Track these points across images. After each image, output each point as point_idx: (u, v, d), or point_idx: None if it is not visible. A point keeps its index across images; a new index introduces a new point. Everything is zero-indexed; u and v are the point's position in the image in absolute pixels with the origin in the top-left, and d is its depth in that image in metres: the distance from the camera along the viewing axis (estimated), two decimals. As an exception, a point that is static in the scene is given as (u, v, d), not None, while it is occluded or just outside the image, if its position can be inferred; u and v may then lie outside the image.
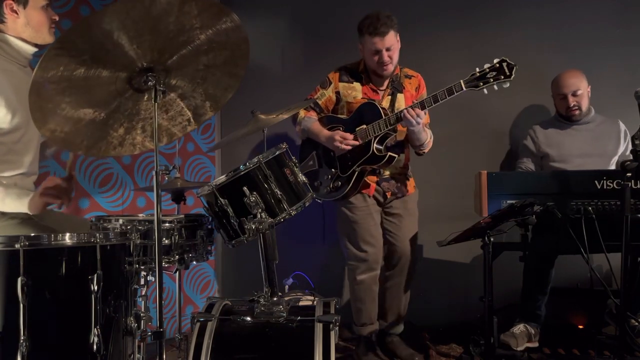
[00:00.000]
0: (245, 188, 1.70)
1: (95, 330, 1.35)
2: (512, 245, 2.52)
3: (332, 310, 1.73)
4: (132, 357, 1.59)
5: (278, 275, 1.80)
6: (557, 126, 2.84)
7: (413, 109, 2.35)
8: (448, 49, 3.14)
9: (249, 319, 1.71)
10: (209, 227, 2.00)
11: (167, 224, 1.85)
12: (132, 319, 1.53)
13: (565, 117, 2.79)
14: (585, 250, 2.04)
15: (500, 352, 2.36)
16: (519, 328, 2.52)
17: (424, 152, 2.64)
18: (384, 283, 2.66)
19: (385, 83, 2.61)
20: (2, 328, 1.27)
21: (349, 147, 2.46)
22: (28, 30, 1.88)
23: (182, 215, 1.94)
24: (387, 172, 2.61)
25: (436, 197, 3.01)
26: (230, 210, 1.73)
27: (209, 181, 2.79)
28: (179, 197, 2.42)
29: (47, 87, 1.44)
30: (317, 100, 2.63)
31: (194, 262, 2.00)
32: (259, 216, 1.69)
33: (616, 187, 2.18)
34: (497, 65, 2.27)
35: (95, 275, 1.36)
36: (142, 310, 1.76)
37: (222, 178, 1.74)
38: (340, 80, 2.61)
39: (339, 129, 2.54)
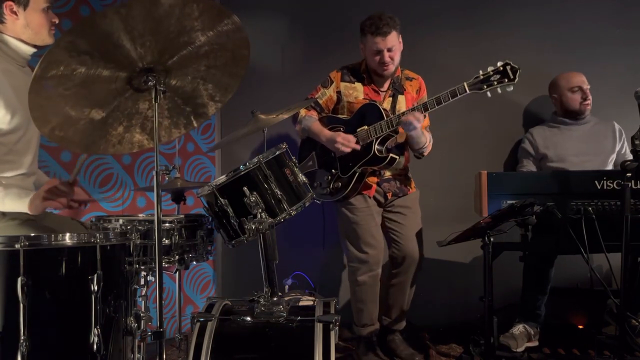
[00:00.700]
0: (245, 188, 1.70)
1: (95, 330, 1.35)
2: (512, 245, 2.52)
3: (332, 310, 1.73)
4: (132, 357, 1.59)
5: (278, 275, 1.80)
6: (554, 127, 2.87)
7: (413, 113, 2.35)
8: (449, 48, 3.14)
9: (249, 319, 1.71)
10: (209, 227, 2.00)
11: (167, 224, 1.86)
12: (132, 319, 1.53)
13: (577, 113, 2.80)
14: (585, 250, 2.04)
15: (500, 352, 2.36)
16: (519, 329, 2.52)
17: (423, 156, 2.65)
18: (389, 280, 2.64)
19: (387, 84, 2.61)
20: (2, 328, 1.27)
21: (350, 150, 2.46)
22: (27, 31, 1.87)
23: (182, 215, 1.94)
24: (387, 173, 2.61)
25: (436, 197, 3.01)
26: (230, 210, 1.73)
27: (209, 181, 2.80)
28: (179, 197, 2.42)
29: (47, 87, 1.44)
30: (317, 100, 2.63)
31: (194, 262, 2.00)
32: (259, 216, 1.69)
33: (616, 187, 2.18)
34: (501, 68, 2.26)
35: (95, 275, 1.36)
36: (142, 310, 1.75)
37: (222, 178, 1.74)
38: (342, 80, 2.61)
39: (340, 129, 2.54)
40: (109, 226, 1.82)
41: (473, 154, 3.09)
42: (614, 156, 2.78)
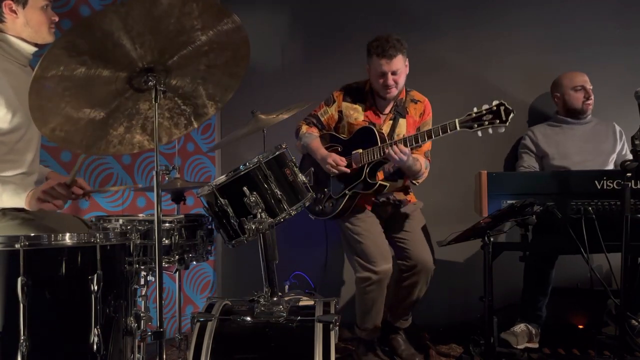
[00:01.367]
0: (245, 188, 1.70)
1: (95, 330, 1.35)
2: (512, 245, 2.52)
3: (332, 310, 1.73)
4: (132, 357, 1.59)
5: (278, 275, 1.80)
6: (555, 126, 2.87)
7: (397, 145, 2.29)
8: (449, 48, 3.14)
9: (249, 319, 1.71)
10: (209, 227, 2.00)
11: (167, 224, 1.86)
12: (132, 319, 1.53)
13: (579, 112, 2.81)
14: (585, 250, 2.04)
15: (501, 351, 2.36)
16: (520, 327, 2.53)
17: (417, 183, 2.60)
18: (398, 282, 2.56)
19: (389, 107, 2.59)
20: (2, 328, 1.27)
21: (337, 172, 2.45)
22: (27, 30, 1.88)
23: (182, 215, 1.95)
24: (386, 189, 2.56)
25: (436, 197, 3.01)
26: (230, 210, 1.73)
27: (209, 181, 2.80)
28: (179, 197, 2.42)
29: (47, 87, 1.44)
30: (319, 117, 2.64)
31: (194, 262, 2.00)
32: (259, 216, 1.69)
33: (616, 187, 2.18)
34: (495, 108, 2.17)
35: (95, 275, 1.36)
36: (142, 310, 1.76)
37: (222, 178, 1.74)
38: (344, 100, 2.61)
39: (337, 149, 2.54)
40: (109, 226, 1.82)
41: (473, 154, 3.08)
42: (614, 156, 2.78)
